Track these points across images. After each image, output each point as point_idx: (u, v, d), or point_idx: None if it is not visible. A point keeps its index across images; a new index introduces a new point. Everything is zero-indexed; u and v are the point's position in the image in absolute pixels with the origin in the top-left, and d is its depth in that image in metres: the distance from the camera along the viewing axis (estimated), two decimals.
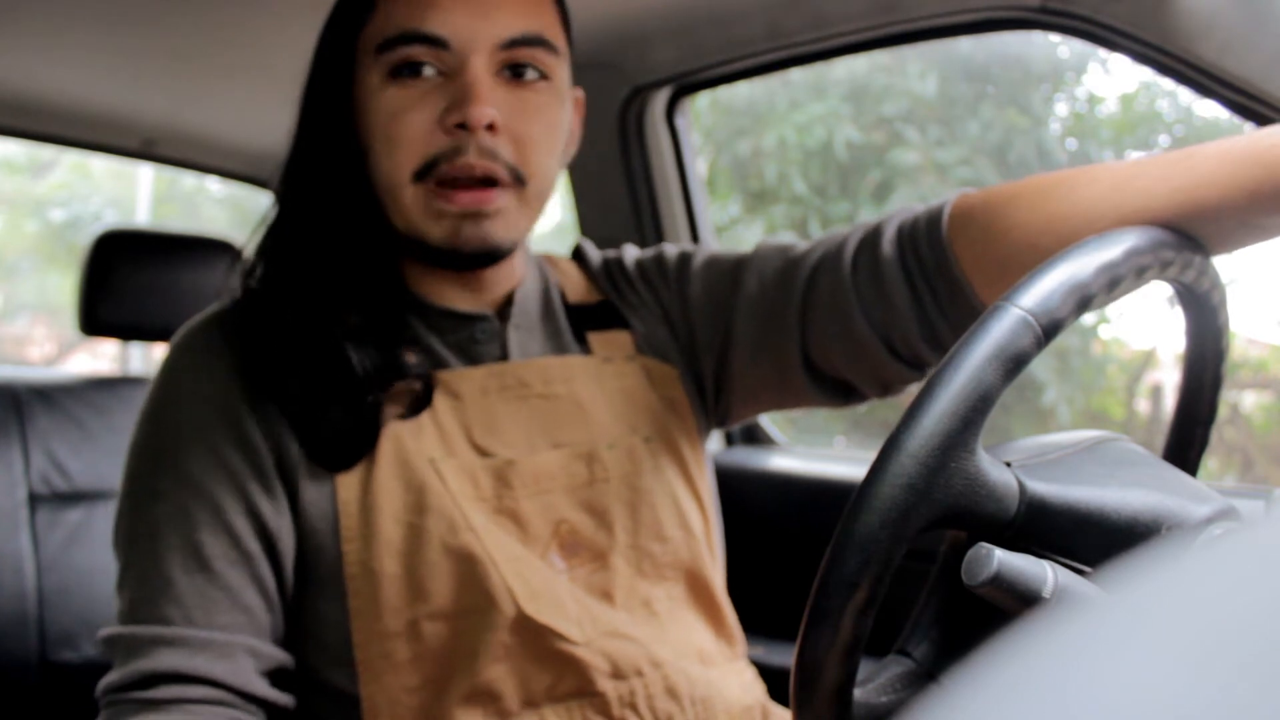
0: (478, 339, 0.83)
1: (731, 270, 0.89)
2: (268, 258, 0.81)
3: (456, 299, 0.84)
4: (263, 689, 0.72)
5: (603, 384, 0.86)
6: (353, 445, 0.76)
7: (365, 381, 0.76)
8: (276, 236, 0.81)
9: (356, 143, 0.79)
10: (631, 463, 0.83)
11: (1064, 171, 0.70)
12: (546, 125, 0.79)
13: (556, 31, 0.81)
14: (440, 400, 0.79)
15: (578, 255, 0.97)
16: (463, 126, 0.74)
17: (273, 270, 0.80)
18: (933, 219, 0.76)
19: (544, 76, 0.78)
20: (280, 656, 0.75)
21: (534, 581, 0.76)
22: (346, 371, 0.76)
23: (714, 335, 0.89)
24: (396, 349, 0.79)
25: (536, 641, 0.75)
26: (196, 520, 0.73)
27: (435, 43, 0.75)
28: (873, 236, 0.80)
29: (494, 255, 0.79)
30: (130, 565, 0.75)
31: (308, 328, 0.77)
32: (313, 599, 0.76)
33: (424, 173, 0.76)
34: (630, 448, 0.84)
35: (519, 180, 0.77)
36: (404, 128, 0.76)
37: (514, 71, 0.77)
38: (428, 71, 0.76)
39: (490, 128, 0.75)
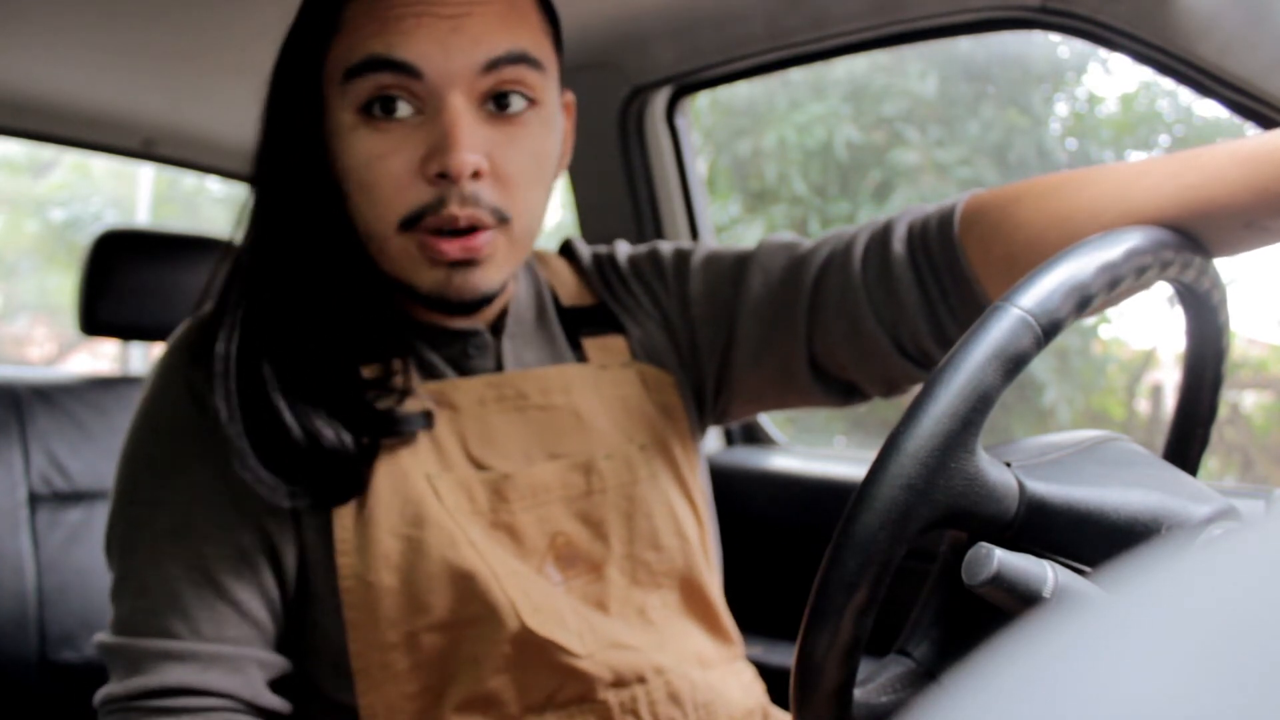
0: (470, 353, 0.82)
1: (733, 268, 0.88)
2: (244, 292, 0.76)
3: (447, 319, 0.82)
4: (271, 700, 0.72)
5: (600, 392, 0.85)
6: (333, 493, 0.73)
7: (350, 441, 0.73)
8: (253, 267, 0.76)
9: (329, 176, 0.75)
10: (628, 472, 0.82)
11: (1072, 171, 0.70)
12: (534, 159, 0.74)
13: (543, 45, 0.75)
14: (437, 414, 0.78)
15: (567, 252, 0.95)
16: (444, 176, 0.70)
17: (249, 308, 0.75)
18: (944, 218, 0.76)
19: (531, 102, 0.73)
20: (284, 665, 0.75)
21: (534, 595, 0.75)
22: (324, 435, 0.72)
23: (716, 335, 0.88)
24: (388, 395, 0.76)
25: (539, 653, 0.74)
26: (201, 531, 0.73)
27: (407, 70, 0.69)
28: (883, 235, 0.80)
29: (485, 301, 0.76)
30: (129, 575, 0.73)
31: (293, 385, 0.73)
32: (309, 610, 0.76)
33: (409, 224, 0.72)
34: (627, 457, 0.83)
35: (504, 220, 0.73)
36: (381, 177, 0.71)
37: (498, 103, 0.72)
38: (402, 110, 0.70)
39: (475, 174, 0.70)
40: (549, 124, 0.76)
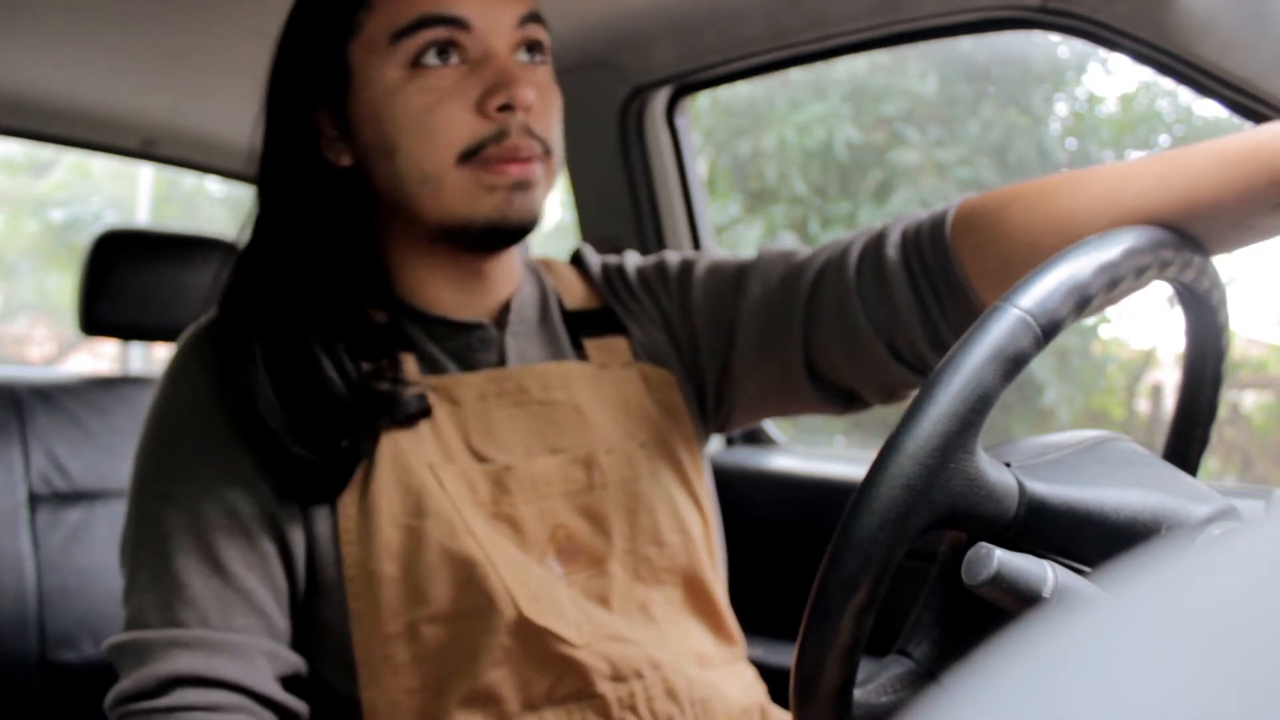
0: (474, 347, 0.83)
1: (734, 276, 0.89)
2: (249, 283, 0.79)
3: (452, 307, 0.83)
4: (278, 693, 0.72)
5: (600, 390, 0.85)
6: (324, 486, 0.75)
7: (346, 420, 0.75)
8: (258, 264, 0.80)
9: (352, 148, 0.79)
10: (629, 468, 0.83)
11: (1064, 173, 0.70)
12: (556, 100, 0.81)
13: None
14: (439, 406, 0.79)
15: (577, 260, 0.96)
16: (506, 108, 0.75)
17: (254, 296, 0.79)
18: (936, 223, 0.76)
19: (544, 53, 0.81)
20: (295, 660, 0.75)
21: (533, 585, 0.75)
22: (327, 410, 0.75)
23: (716, 341, 0.89)
24: (390, 381, 0.78)
25: (536, 644, 0.75)
26: (211, 522, 0.73)
27: (457, 24, 0.75)
28: (877, 241, 0.80)
29: (532, 227, 0.80)
30: (140, 571, 0.74)
31: (287, 370, 0.76)
32: (318, 605, 0.76)
33: (468, 156, 0.76)
34: (628, 453, 0.83)
35: (548, 153, 0.79)
36: (440, 117, 0.75)
37: (528, 52, 0.79)
38: (453, 59, 0.76)
39: (527, 109, 0.76)
40: (553, 77, 0.83)
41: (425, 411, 0.78)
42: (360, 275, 0.81)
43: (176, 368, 0.79)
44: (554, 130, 0.80)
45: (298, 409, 0.74)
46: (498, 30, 0.76)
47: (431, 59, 0.75)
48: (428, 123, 0.75)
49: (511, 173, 0.76)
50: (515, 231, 0.79)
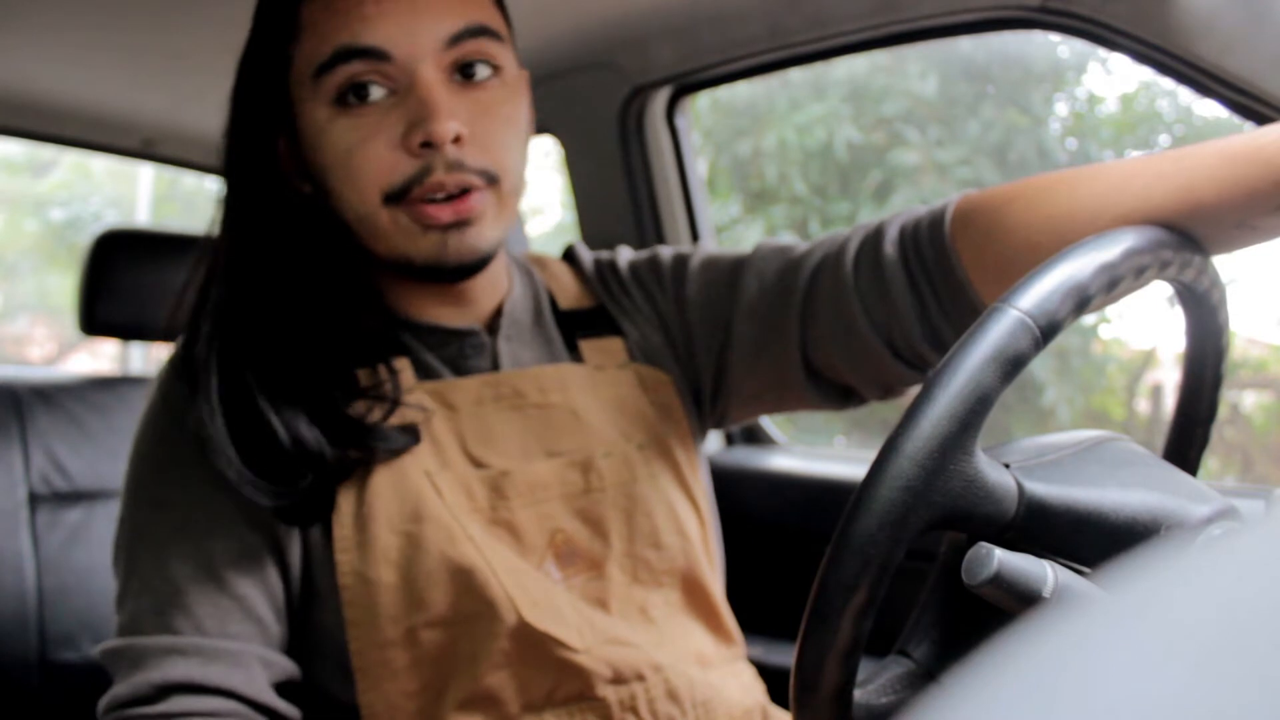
0: (467, 353, 0.83)
1: (729, 272, 0.88)
2: (222, 297, 0.77)
3: (443, 315, 0.83)
4: (274, 700, 0.72)
5: (596, 392, 0.85)
6: (295, 518, 0.74)
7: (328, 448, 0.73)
8: (232, 284, 0.77)
9: (308, 177, 0.77)
10: (627, 470, 0.82)
11: (1065, 171, 0.70)
12: (508, 122, 0.76)
13: (496, 15, 0.77)
14: (435, 412, 0.79)
15: (570, 257, 0.95)
16: (428, 145, 0.71)
17: (230, 313, 0.76)
18: (935, 220, 0.76)
19: (495, 69, 0.75)
20: (290, 668, 0.74)
21: (533, 590, 0.75)
22: (276, 463, 0.72)
23: (712, 338, 0.88)
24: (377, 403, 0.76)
25: (537, 649, 0.74)
26: (204, 528, 0.73)
27: (376, 55, 0.71)
28: (874, 237, 0.80)
29: (481, 263, 0.77)
30: (133, 576, 0.73)
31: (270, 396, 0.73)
32: (314, 609, 0.76)
33: (395, 197, 0.73)
34: (625, 455, 0.83)
35: (492, 180, 0.75)
36: (363, 159, 0.72)
37: (464, 73, 0.74)
38: (376, 93, 0.72)
39: (456, 140, 0.72)
40: (514, 88, 0.78)
41: (413, 441, 0.76)
42: (347, 289, 0.80)
43: (165, 377, 0.78)
44: (502, 154, 0.75)
45: (248, 457, 0.72)
46: (422, 55, 0.72)
47: (351, 99, 0.72)
48: (351, 164, 0.73)
49: (442, 216, 0.73)
50: (459, 270, 0.77)
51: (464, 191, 0.73)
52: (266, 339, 0.76)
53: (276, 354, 0.75)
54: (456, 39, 0.73)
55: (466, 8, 0.74)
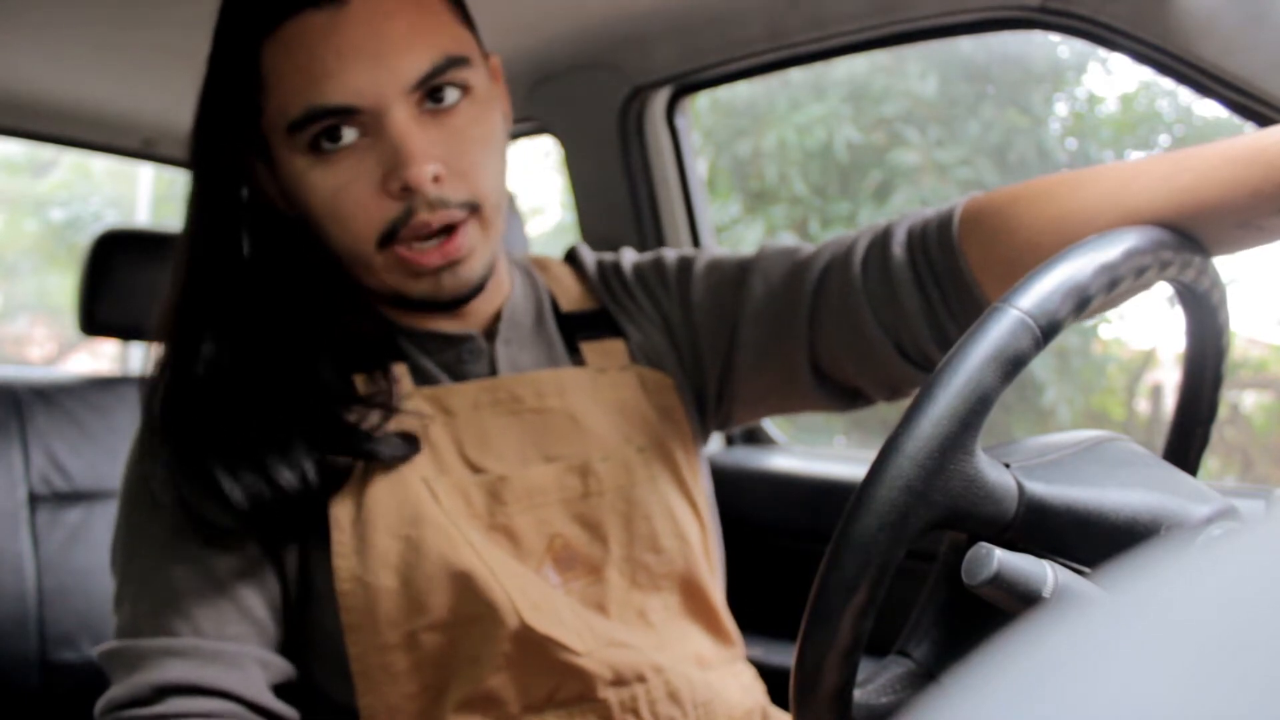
0: (464, 359, 0.83)
1: (735, 274, 0.88)
2: (222, 333, 0.77)
3: (440, 322, 0.83)
4: (272, 702, 0.72)
5: (596, 395, 0.85)
6: (293, 521, 0.74)
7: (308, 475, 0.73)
8: (226, 295, 0.78)
9: (293, 204, 0.78)
10: (626, 474, 0.82)
11: (1069, 172, 0.70)
12: (482, 139, 0.76)
13: (460, 36, 0.77)
14: (432, 417, 0.79)
15: (572, 259, 0.95)
16: (407, 189, 0.72)
17: (228, 346, 0.77)
18: (943, 221, 0.76)
19: (465, 90, 0.75)
20: (288, 669, 0.74)
21: (533, 593, 0.75)
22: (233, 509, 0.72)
23: (718, 341, 0.88)
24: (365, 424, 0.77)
25: (538, 651, 0.74)
26: (203, 532, 0.73)
27: (343, 112, 0.71)
28: (882, 239, 0.79)
29: (478, 290, 0.79)
30: (130, 579, 0.74)
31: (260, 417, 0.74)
32: (312, 610, 0.76)
33: (386, 240, 0.74)
34: (624, 459, 0.83)
35: (475, 209, 0.75)
36: (347, 204, 0.73)
37: (434, 98, 0.74)
38: (349, 137, 0.72)
39: (435, 179, 0.72)
40: (486, 102, 0.78)
41: (413, 450, 0.76)
42: (343, 299, 0.81)
43: (150, 391, 0.78)
44: (481, 178, 0.75)
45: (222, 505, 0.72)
46: (390, 101, 0.71)
47: (325, 145, 0.73)
48: (339, 209, 0.74)
49: (431, 262, 0.74)
50: (454, 302, 0.79)
51: (449, 229, 0.74)
52: (263, 348, 0.77)
53: (269, 369, 0.76)
54: (424, 80, 0.72)
55: (430, 41, 0.73)
